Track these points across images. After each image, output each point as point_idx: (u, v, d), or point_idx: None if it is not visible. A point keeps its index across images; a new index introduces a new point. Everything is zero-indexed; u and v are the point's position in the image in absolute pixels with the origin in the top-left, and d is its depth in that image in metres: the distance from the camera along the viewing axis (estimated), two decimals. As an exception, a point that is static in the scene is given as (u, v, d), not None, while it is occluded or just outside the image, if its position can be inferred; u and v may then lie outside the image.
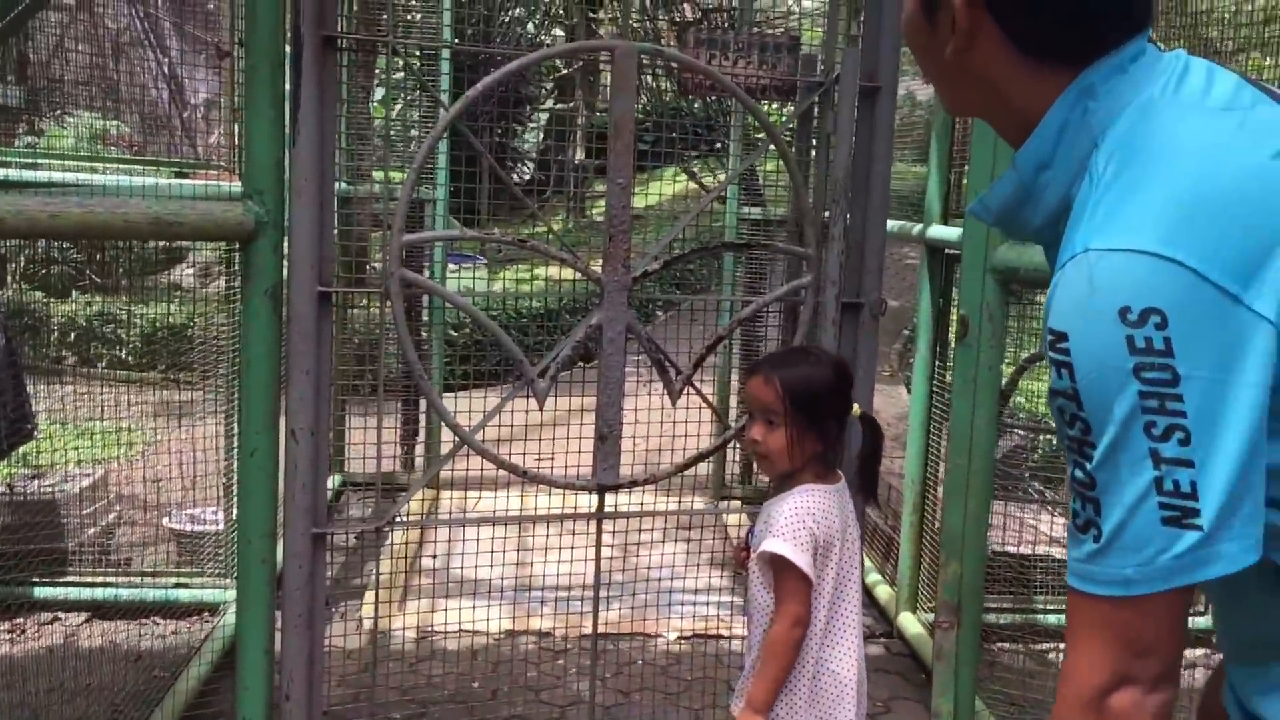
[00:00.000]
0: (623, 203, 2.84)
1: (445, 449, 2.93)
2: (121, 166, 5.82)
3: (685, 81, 2.96)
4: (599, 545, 3.06)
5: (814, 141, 3.12)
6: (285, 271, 2.76)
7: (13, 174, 4.51)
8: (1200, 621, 4.59)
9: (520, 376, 2.91)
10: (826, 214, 2.98)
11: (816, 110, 3.08)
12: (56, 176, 4.67)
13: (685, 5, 13.82)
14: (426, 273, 6.20)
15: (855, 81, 2.90)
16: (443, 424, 5.94)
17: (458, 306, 2.76)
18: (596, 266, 2.91)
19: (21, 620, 4.49)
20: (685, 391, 3.04)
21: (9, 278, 9.44)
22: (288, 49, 2.72)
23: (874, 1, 2.94)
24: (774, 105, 3.81)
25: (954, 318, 3.46)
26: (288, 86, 2.71)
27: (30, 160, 5.40)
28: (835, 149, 2.93)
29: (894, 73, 2.95)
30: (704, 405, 3.17)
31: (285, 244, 2.74)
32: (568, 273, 3.08)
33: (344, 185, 5.81)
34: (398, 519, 2.92)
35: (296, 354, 2.74)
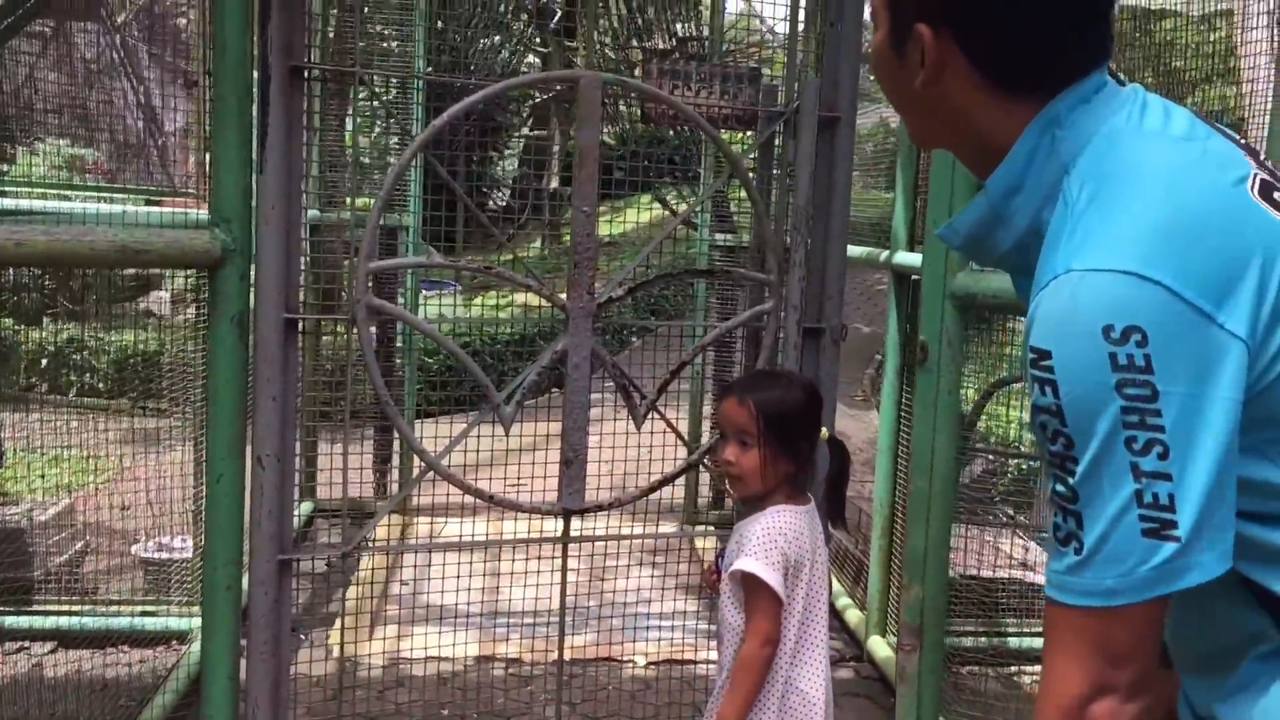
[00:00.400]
0: (587, 230, 2.87)
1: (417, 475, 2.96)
2: (92, 194, 5.81)
3: (649, 111, 3.00)
4: (564, 570, 3.07)
5: (775, 170, 3.17)
6: (253, 299, 2.78)
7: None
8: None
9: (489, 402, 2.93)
10: (788, 240, 3.02)
11: (778, 140, 3.13)
12: (28, 204, 4.67)
13: (659, 34, 13.92)
14: (400, 299, 6.22)
15: (815, 111, 2.95)
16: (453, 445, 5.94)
17: (425, 333, 2.78)
18: (564, 293, 2.94)
19: (-13, 649, 4.46)
20: (654, 416, 3.07)
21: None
22: (256, 77, 2.74)
23: (833, 34, 2.99)
24: (742, 135, 3.86)
25: (921, 343, 3.50)
26: (255, 115, 2.73)
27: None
28: (796, 177, 2.97)
29: (853, 103, 3.00)
30: (684, 429, 3.19)
31: (253, 271, 2.76)
32: (540, 299, 3.10)
33: (315, 213, 5.82)
34: (363, 545, 2.93)
35: (263, 381, 2.75)
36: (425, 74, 5.60)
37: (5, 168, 9.04)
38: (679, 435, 3.10)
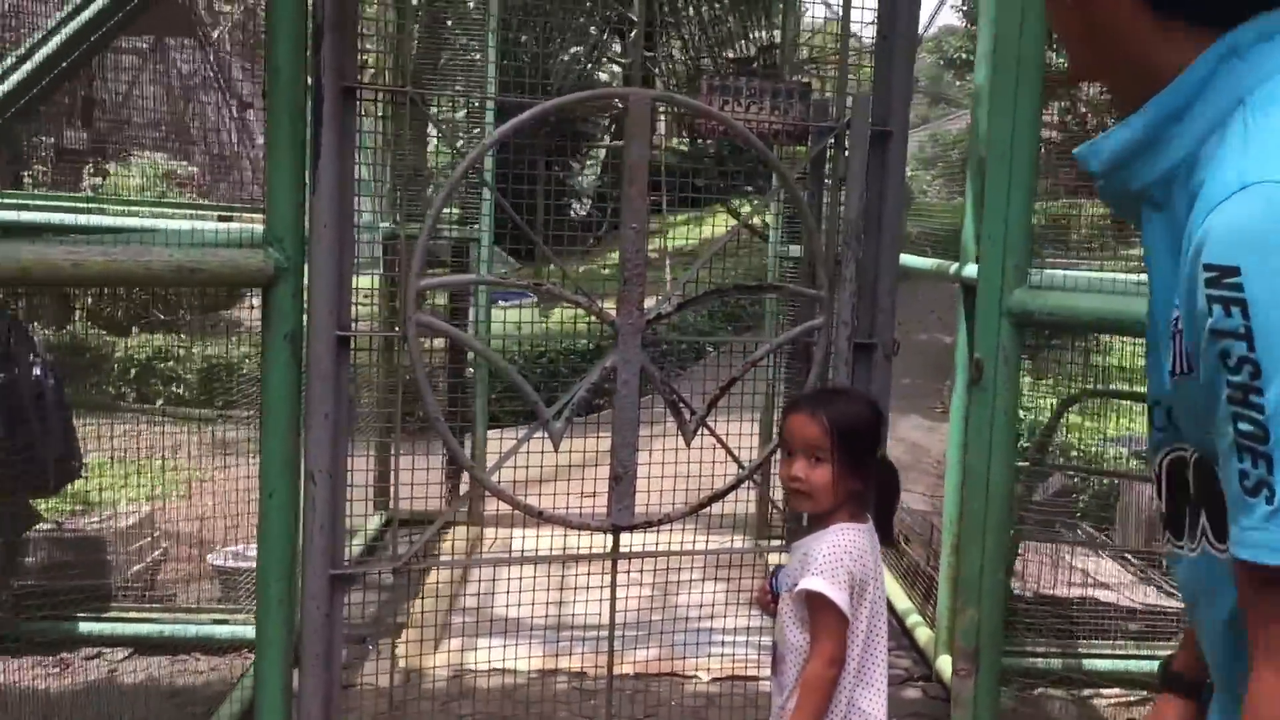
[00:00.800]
0: (637, 247, 2.87)
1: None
2: (181, 210, 5.95)
3: (700, 126, 2.99)
4: (614, 585, 3.07)
5: (826, 184, 3.13)
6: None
7: (75, 219, 4.59)
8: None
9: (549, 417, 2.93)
10: (838, 255, 2.99)
11: (830, 154, 3.09)
12: (117, 221, 4.77)
13: (738, 43, 13.91)
14: (472, 311, 6.27)
15: (866, 126, 2.91)
16: (487, 462, 5.99)
17: (475, 351, 2.80)
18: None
19: (66, 655, 4.59)
20: (701, 432, 3.06)
21: (76, 315, 9.73)
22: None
23: (884, 47, 2.95)
24: (798, 149, 3.82)
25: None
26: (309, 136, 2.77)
27: (96, 204, 5.53)
28: (847, 192, 2.94)
29: (905, 117, 2.96)
30: (755, 444, 3.17)
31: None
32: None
33: (389, 226, 5.90)
34: (414, 561, 2.95)
35: (315, 397, 2.79)
36: (481, 95, 5.64)
37: (99, 182, 9.33)
38: (729, 452, 3.08)
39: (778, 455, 2.73)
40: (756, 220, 6.42)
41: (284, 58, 2.70)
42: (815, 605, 2.51)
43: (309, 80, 2.74)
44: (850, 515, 2.59)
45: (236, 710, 3.99)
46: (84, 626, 4.65)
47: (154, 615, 4.80)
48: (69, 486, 4.77)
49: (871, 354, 3.03)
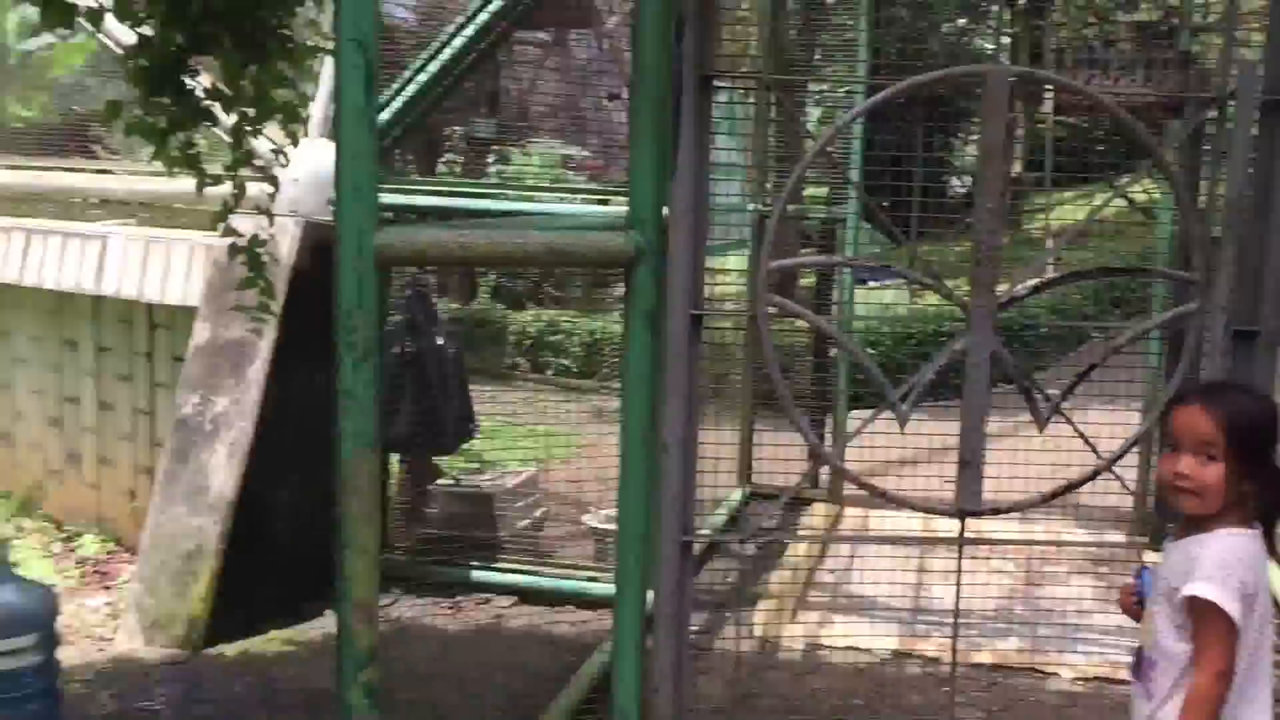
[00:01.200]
0: (990, 228, 2.80)
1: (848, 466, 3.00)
2: (564, 193, 6.37)
3: (1063, 102, 2.88)
4: (959, 572, 3.03)
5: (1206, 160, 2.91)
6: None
7: (477, 204, 5.03)
8: None
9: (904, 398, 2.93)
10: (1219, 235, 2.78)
11: (1212, 128, 2.87)
12: (513, 205, 5.20)
13: (1143, 5, 12.99)
14: (835, 293, 6.30)
15: (1254, 97, 2.68)
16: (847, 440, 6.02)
17: (823, 331, 2.85)
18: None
19: (460, 598, 5.10)
20: (1046, 422, 2.95)
21: (478, 292, 10.66)
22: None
23: (1279, 8, 2.70)
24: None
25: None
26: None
27: (496, 190, 6.02)
28: (1229, 168, 2.73)
29: (1301, 84, 2.70)
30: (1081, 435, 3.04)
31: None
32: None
33: (755, 207, 6.01)
34: (754, 535, 3.05)
35: (670, 372, 2.94)
36: (848, 75, 5.62)
37: (503, 168, 10.14)
38: (1086, 441, 2.95)
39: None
40: (1141, 198, 6.00)
41: (649, 48, 2.83)
42: (1202, 613, 2.34)
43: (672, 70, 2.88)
44: (1239, 520, 2.41)
45: (605, 660, 4.27)
46: (475, 574, 5.14)
47: (536, 568, 5.24)
48: (465, 446, 5.28)
49: (1253, 343, 2.80)
